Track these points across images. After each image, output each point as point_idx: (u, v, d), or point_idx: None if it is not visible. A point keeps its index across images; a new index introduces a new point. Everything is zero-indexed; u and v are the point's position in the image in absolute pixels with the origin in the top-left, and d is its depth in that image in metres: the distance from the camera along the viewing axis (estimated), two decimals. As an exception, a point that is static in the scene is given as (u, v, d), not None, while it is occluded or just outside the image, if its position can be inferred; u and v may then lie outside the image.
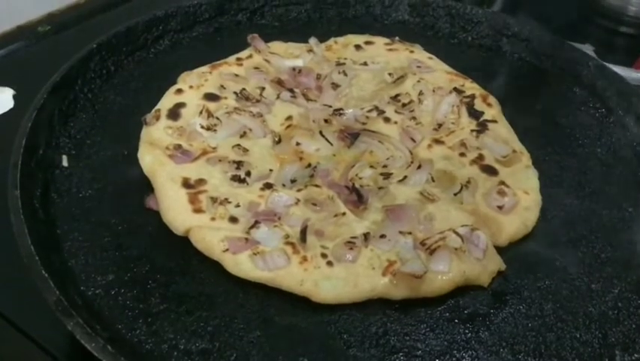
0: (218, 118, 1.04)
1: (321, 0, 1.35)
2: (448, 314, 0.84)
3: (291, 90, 1.12)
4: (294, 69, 1.17)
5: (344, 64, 1.19)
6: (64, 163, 0.98)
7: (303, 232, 0.88)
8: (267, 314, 0.83)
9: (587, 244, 0.94)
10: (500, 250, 0.92)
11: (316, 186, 0.96)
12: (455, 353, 0.80)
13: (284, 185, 0.96)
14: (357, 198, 0.94)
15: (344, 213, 0.92)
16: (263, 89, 1.12)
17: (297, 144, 1.03)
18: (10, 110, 1.18)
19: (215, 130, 1.03)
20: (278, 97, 1.11)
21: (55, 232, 0.88)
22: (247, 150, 1.01)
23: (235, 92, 1.10)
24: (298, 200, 0.93)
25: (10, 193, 0.85)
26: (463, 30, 1.33)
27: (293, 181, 0.97)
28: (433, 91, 1.14)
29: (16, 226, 0.81)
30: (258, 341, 0.80)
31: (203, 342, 0.79)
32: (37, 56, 1.32)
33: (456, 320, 0.84)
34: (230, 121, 1.04)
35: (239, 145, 1.01)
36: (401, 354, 0.80)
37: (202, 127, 1.03)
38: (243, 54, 1.19)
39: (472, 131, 1.08)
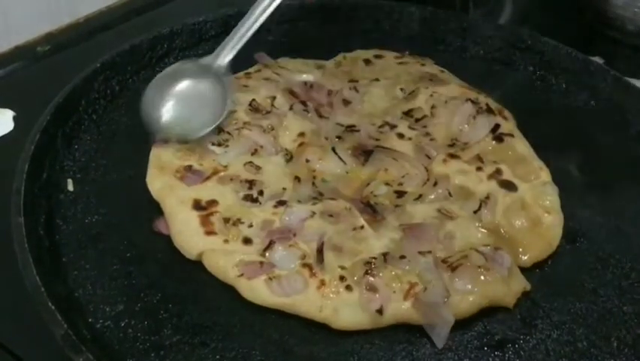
0: (229, 133, 1.01)
1: (328, 16, 1.32)
2: (476, 341, 0.80)
3: (303, 103, 1.09)
4: (305, 83, 1.13)
5: (357, 81, 1.15)
6: (70, 187, 0.94)
7: (320, 251, 0.85)
8: (287, 345, 0.78)
9: (617, 264, 0.91)
10: (526, 272, 0.88)
11: (332, 199, 0.93)
12: (487, 383, 0.76)
13: (299, 201, 0.93)
14: (372, 212, 0.92)
15: (362, 227, 0.89)
16: (274, 98, 1.08)
17: (307, 161, 1.00)
18: (10, 132, 1.14)
19: (227, 145, 1.00)
20: (291, 108, 1.08)
21: (60, 260, 0.84)
22: (260, 168, 0.97)
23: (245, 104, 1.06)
24: (314, 213, 0.90)
25: (14, 220, 0.81)
26: (475, 43, 1.30)
27: (307, 198, 0.94)
28: (445, 102, 1.10)
29: (21, 255, 0.78)
30: (277, 373, 0.76)
31: (220, 376, 0.75)
32: (36, 77, 1.29)
33: (486, 348, 0.80)
34: (240, 138, 1.01)
35: (251, 163, 0.98)
36: (429, 386, 0.76)
37: (213, 144, 0.99)
38: (252, 69, 1.16)
39: (488, 144, 1.04)
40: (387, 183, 0.98)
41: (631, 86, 1.16)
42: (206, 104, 1.00)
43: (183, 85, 1.00)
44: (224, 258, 0.85)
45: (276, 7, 1.05)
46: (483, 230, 0.91)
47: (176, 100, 1.00)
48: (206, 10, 1.29)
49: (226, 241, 0.87)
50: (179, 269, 0.86)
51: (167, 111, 0.99)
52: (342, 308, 0.81)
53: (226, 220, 0.89)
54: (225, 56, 1.02)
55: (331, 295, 0.81)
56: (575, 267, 0.90)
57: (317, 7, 1.33)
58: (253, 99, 1.07)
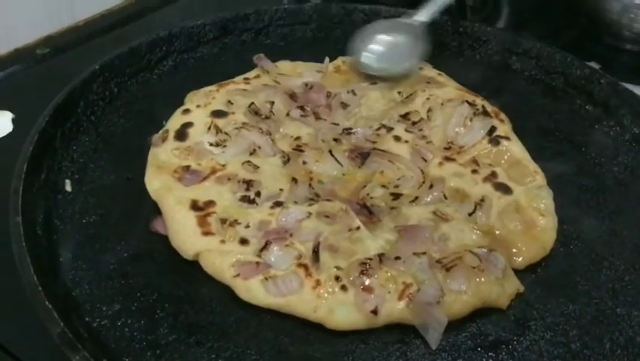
0: (227, 133, 1.02)
1: (326, 19, 1.33)
2: (470, 342, 0.81)
3: (301, 108, 1.10)
4: (306, 84, 1.15)
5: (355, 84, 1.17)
6: (68, 188, 0.95)
7: (316, 251, 0.85)
8: (282, 344, 0.79)
9: (610, 266, 0.91)
10: (520, 274, 0.89)
11: (328, 200, 0.94)
12: (480, 384, 0.77)
13: (296, 202, 0.93)
14: (368, 213, 0.92)
15: (358, 228, 0.89)
16: (272, 103, 1.09)
17: (304, 162, 1.00)
18: (9, 134, 1.15)
19: (224, 145, 1.00)
20: (288, 114, 1.08)
21: (57, 260, 0.85)
22: (258, 167, 0.98)
23: (244, 107, 1.07)
24: (310, 213, 0.91)
25: (12, 220, 0.82)
26: (471, 48, 1.31)
27: (304, 200, 0.94)
28: (442, 104, 1.11)
29: (18, 254, 0.78)
30: (272, 373, 0.76)
31: (215, 375, 0.75)
32: (36, 79, 1.30)
33: (479, 348, 0.80)
34: (238, 138, 1.01)
35: (249, 162, 0.98)
36: (423, 386, 0.76)
37: (211, 144, 1.00)
38: (250, 74, 1.17)
39: (484, 147, 1.05)
40: (383, 186, 0.99)
41: (626, 91, 1.17)
42: (404, 51, 1.21)
43: (391, 36, 1.22)
44: (220, 258, 0.85)
45: None
46: (477, 232, 0.91)
47: (382, 44, 1.21)
48: (204, 13, 1.29)
49: (223, 241, 0.88)
50: (176, 269, 0.86)
51: (373, 49, 1.20)
52: (337, 308, 0.81)
53: (223, 221, 0.89)
54: (423, 17, 1.24)
55: (326, 295, 0.82)
56: (569, 269, 0.91)
57: (314, 11, 1.33)
58: (252, 102, 1.08)
